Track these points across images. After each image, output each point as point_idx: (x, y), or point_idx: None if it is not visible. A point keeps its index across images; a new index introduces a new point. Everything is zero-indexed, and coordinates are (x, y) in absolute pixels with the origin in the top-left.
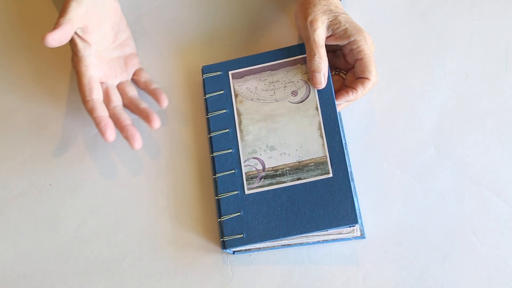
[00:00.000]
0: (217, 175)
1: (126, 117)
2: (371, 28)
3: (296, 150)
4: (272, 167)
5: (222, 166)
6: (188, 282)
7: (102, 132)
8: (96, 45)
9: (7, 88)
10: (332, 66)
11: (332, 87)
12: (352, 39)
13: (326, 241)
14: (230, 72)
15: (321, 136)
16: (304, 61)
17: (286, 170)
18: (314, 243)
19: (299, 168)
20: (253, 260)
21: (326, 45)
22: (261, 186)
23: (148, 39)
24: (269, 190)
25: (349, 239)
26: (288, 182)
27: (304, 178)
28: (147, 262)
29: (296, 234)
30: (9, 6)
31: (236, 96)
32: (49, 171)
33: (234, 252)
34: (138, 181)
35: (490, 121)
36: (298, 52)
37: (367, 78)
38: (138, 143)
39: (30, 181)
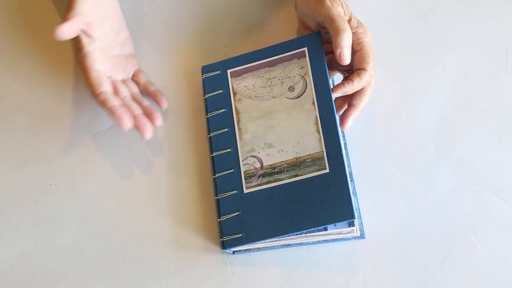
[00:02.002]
0: (217, 175)
1: (136, 107)
2: (371, 28)
3: (293, 146)
4: (270, 165)
5: (221, 166)
6: (188, 282)
7: (118, 121)
8: (100, 41)
9: (7, 88)
10: (336, 67)
11: (329, 81)
12: (353, 31)
13: (326, 241)
14: (228, 71)
15: (318, 131)
16: (300, 56)
17: (283, 167)
18: (314, 243)
19: (296, 164)
20: (253, 260)
21: (329, 43)
22: (259, 185)
23: (148, 39)
24: (267, 188)
25: (349, 239)
26: (286, 179)
27: (301, 175)
28: (147, 262)
29: (293, 232)
30: (10, 5)
31: (234, 94)
32: (49, 171)
33: (234, 252)
34: (138, 181)
35: (490, 121)
36: (294, 47)
37: (363, 69)
38: (149, 132)
39: (30, 181)
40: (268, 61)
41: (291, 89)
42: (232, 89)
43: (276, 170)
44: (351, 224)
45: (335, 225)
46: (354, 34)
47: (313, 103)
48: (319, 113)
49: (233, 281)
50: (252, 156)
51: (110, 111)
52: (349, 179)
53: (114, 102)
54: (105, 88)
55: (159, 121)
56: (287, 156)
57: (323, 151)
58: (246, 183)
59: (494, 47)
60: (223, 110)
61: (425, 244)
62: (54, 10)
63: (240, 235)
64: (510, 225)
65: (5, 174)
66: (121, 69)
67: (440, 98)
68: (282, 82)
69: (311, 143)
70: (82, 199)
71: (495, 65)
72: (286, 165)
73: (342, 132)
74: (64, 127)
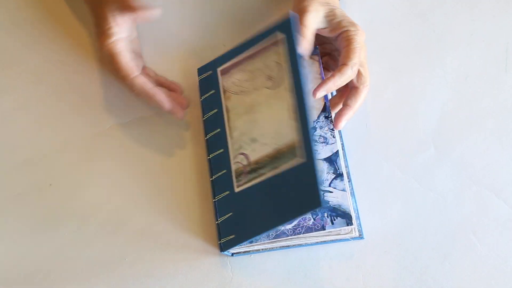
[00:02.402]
0: (214, 177)
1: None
2: (371, 28)
3: (273, 138)
4: (255, 160)
5: (217, 167)
6: (188, 283)
7: (160, 102)
8: (125, 32)
9: (7, 88)
10: (332, 69)
11: (301, 65)
12: (344, 30)
13: (325, 242)
14: (218, 70)
15: (293, 119)
16: (276, 42)
17: (266, 161)
18: (313, 244)
19: (276, 157)
20: (253, 260)
21: (326, 43)
22: (247, 182)
23: (147, 40)
24: (252, 185)
25: (347, 239)
26: (268, 174)
27: (279, 167)
28: (147, 262)
29: (271, 228)
30: (14, 4)
31: (224, 93)
32: (49, 171)
33: (232, 254)
34: (138, 181)
35: (490, 121)
36: (271, 34)
37: (345, 64)
38: (182, 112)
39: (30, 181)
40: (251, 53)
41: (270, 78)
42: (223, 87)
43: (259, 165)
44: (349, 223)
45: (333, 224)
46: (345, 32)
47: (288, 90)
48: (293, 100)
49: (233, 281)
50: (240, 154)
51: (151, 93)
52: (317, 168)
53: (150, 84)
54: (138, 71)
55: (186, 103)
56: (268, 149)
57: (297, 140)
58: (237, 182)
59: (494, 47)
60: (216, 110)
61: (425, 244)
62: (52, 10)
63: (233, 236)
64: (510, 225)
65: (5, 174)
66: (134, 64)
67: (440, 98)
68: (263, 73)
69: (287, 132)
70: (82, 199)
71: (495, 65)
72: (268, 159)
73: (340, 132)
74: (64, 127)
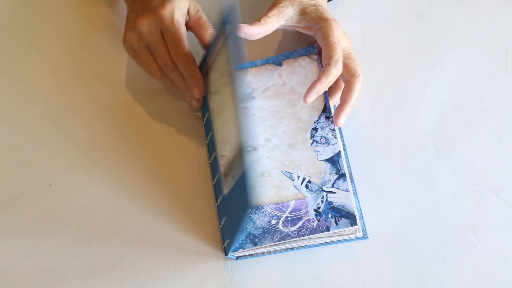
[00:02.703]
0: (214, 181)
1: None
2: (371, 28)
3: (235, 136)
4: (231, 161)
5: (215, 171)
6: (188, 283)
7: (199, 87)
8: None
9: (7, 88)
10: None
11: (234, 58)
12: (317, 27)
13: (329, 243)
14: (203, 71)
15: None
16: (225, 35)
17: (236, 161)
18: (317, 245)
19: (239, 155)
20: (253, 260)
21: (316, 42)
22: (229, 184)
23: None
24: (232, 187)
25: (351, 240)
26: (237, 174)
27: (243, 166)
28: (147, 263)
29: (241, 232)
30: (14, 4)
31: (209, 94)
32: (49, 171)
33: (237, 258)
34: (139, 181)
35: (490, 121)
36: (224, 27)
37: (327, 64)
38: (200, 104)
39: (30, 181)
40: (217, 49)
41: (228, 74)
42: (208, 89)
43: (233, 165)
44: (354, 224)
45: (337, 225)
46: (318, 29)
47: (231, 83)
48: (235, 92)
49: (233, 281)
50: (222, 156)
51: (196, 74)
52: (247, 162)
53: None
54: None
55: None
56: (236, 147)
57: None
58: (225, 183)
59: (494, 47)
60: (208, 113)
61: (425, 244)
62: (54, 10)
63: (228, 240)
64: (510, 225)
65: (5, 174)
66: None
67: (440, 98)
68: (224, 69)
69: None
70: (82, 199)
71: (495, 65)
72: (236, 158)
73: (340, 131)
74: (64, 127)
